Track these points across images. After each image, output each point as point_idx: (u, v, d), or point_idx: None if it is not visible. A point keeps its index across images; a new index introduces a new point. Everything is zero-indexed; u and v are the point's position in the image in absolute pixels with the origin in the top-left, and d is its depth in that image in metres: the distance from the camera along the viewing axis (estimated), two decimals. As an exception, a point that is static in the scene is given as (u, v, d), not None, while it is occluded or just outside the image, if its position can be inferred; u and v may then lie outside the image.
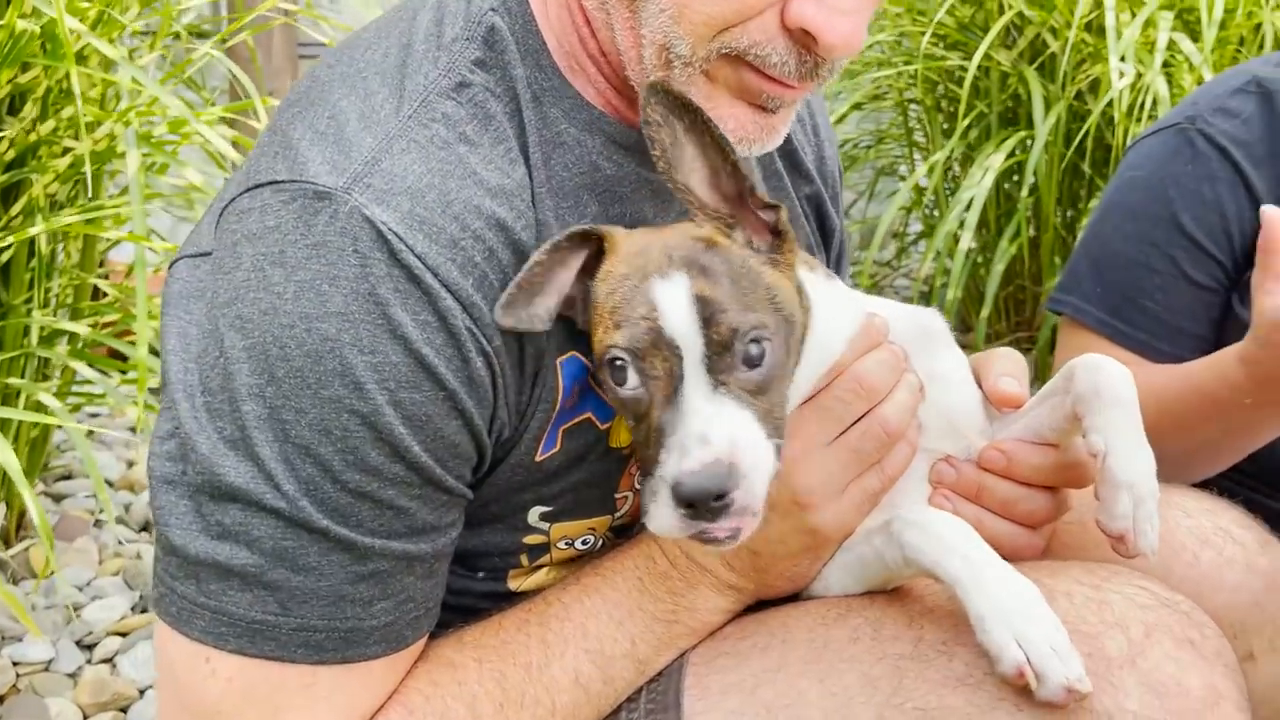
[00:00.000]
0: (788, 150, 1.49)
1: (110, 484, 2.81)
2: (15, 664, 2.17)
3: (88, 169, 1.66)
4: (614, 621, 1.20)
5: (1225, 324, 1.82)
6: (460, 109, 1.13)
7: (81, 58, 1.81)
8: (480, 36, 1.15)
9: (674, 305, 1.04)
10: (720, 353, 1.04)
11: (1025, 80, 3.08)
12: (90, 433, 2.84)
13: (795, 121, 1.51)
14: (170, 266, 1.21)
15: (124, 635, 2.31)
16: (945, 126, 3.46)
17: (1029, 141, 2.99)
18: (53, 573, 2.43)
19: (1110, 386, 1.16)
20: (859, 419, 1.18)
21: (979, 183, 2.93)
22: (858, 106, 3.86)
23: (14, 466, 1.81)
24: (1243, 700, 1.04)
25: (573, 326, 1.16)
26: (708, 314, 1.04)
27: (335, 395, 1.03)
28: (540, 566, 1.30)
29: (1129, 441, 1.14)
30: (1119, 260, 1.88)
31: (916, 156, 3.83)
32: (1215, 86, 1.92)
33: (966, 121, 3.20)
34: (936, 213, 3.48)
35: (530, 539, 1.26)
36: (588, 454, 1.22)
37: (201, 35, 2.10)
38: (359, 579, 1.07)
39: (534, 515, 1.24)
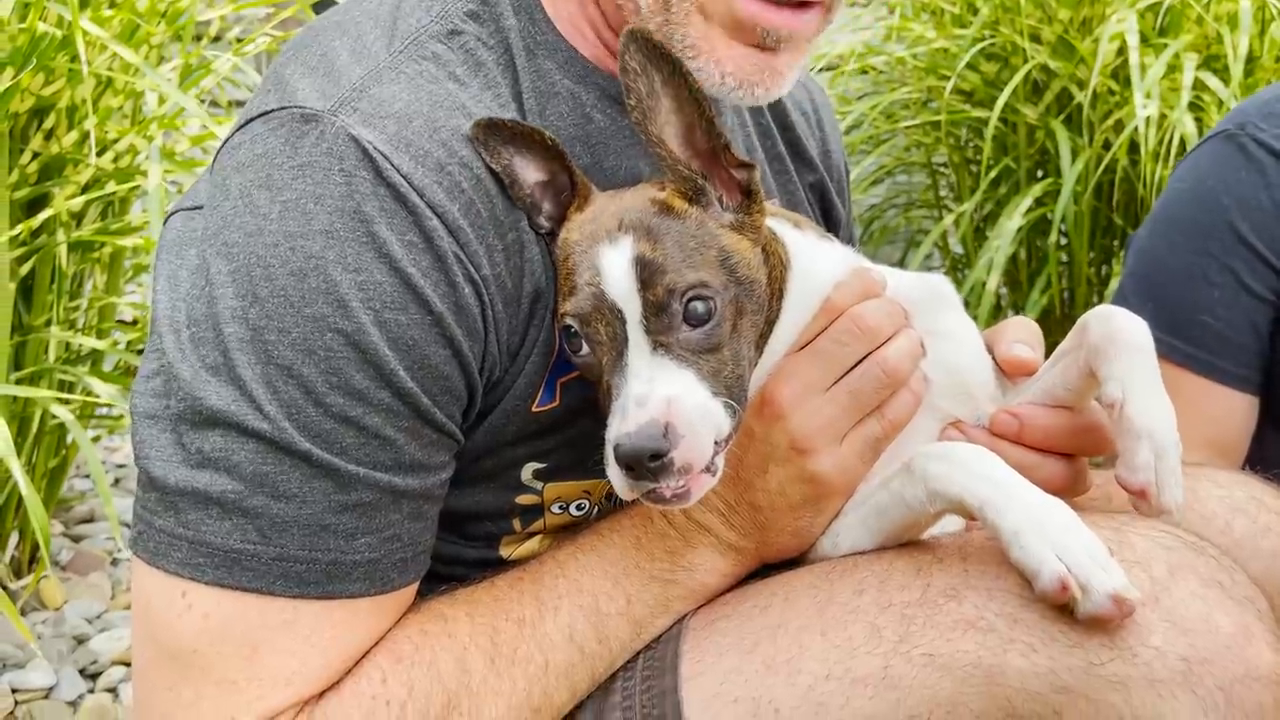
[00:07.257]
0: (791, 139, 1.49)
1: (128, 526, 2.78)
2: (14, 691, 2.12)
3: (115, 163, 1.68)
4: (609, 579, 1.15)
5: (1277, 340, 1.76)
6: (451, 53, 1.13)
7: (108, 71, 1.86)
8: None
9: (615, 269, 1.05)
10: (658, 313, 1.04)
11: (1053, 134, 3.07)
12: (103, 462, 2.84)
13: (798, 112, 1.50)
14: (166, 219, 1.21)
15: (129, 665, 2.25)
16: (973, 186, 3.45)
17: (1058, 191, 2.96)
18: (65, 603, 2.40)
19: (1125, 333, 1.12)
20: (858, 363, 1.14)
21: (1006, 229, 2.90)
22: (888, 172, 3.87)
23: (26, 487, 1.79)
24: (1278, 643, 0.96)
25: None
26: (646, 275, 1.04)
27: (319, 314, 1.01)
28: (534, 534, 1.25)
29: (1147, 389, 1.09)
30: (1173, 275, 1.82)
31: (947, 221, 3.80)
32: (1262, 94, 1.89)
33: (993, 174, 3.18)
34: (967, 270, 3.45)
35: (523, 499, 1.22)
36: (587, 409, 1.19)
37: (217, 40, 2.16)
38: (342, 509, 1.03)
39: (527, 472, 1.20)
